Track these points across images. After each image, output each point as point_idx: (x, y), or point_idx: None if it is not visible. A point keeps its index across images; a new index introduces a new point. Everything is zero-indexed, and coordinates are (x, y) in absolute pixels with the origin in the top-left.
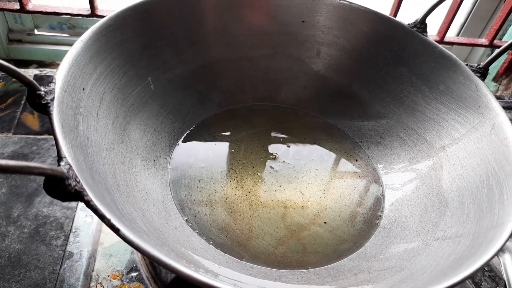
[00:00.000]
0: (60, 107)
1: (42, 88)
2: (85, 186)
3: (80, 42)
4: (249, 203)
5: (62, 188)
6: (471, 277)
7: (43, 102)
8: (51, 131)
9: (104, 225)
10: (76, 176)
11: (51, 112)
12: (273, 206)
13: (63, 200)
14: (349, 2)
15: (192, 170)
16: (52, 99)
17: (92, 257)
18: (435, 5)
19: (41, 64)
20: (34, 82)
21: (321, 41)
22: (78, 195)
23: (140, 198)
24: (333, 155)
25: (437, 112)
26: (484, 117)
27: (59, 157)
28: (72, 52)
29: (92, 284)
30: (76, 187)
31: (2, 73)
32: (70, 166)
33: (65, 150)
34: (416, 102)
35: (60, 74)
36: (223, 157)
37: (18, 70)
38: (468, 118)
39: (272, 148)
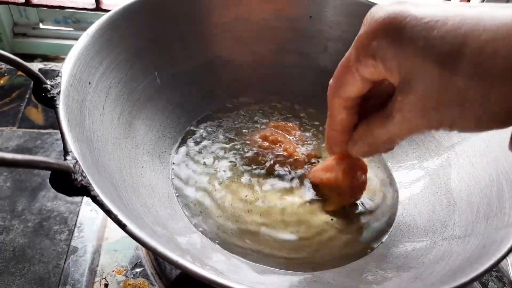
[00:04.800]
0: (66, 101)
1: (48, 82)
2: (91, 181)
3: (86, 36)
4: (255, 199)
5: (68, 182)
6: (480, 278)
7: (49, 96)
8: (55, 125)
9: (109, 220)
10: (82, 170)
11: (57, 105)
12: (280, 202)
13: (69, 194)
14: None
15: (197, 166)
16: (58, 93)
17: (97, 252)
18: None
19: (45, 58)
20: (40, 75)
21: (329, 36)
22: (85, 190)
23: (145, 194)
24: None
25: None
26: None
27: (65, 151)
28: (78, 46)
29: (96, 279)
30: (83, 182)
31: (7, 67)
32: (77, 161)
33: (71, 144)
34: None
35: (66, 68)
36: (229, 153)
37: (24, 63)
38: None
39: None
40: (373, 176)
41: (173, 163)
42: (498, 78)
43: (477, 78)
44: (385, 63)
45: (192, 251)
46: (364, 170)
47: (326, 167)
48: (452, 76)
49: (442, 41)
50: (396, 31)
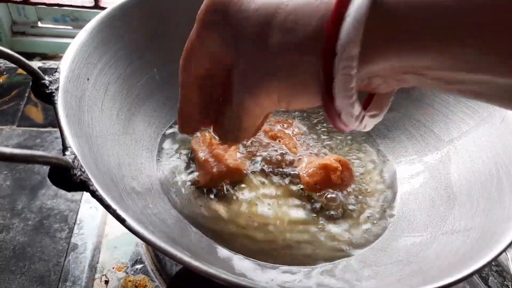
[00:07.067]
0: (65, 97)
1: (46, 78)
2: (90, 176)
3: (84, 32)
4: (252, 195)
5: (67, 178)
6: (480, 271)
7: (47, 92)
8: (55, 123)
9: (108, 217)
10: (81, 166)
11: (56, 101)
12: (278, 198)
13: (68, 190)
14: None
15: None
16: (57, 89)
17: (97, 249)
18: None
19: (44, 57)
20: (39, 71)
21: None
22: (84, 185)
23: (144, 190)
24: (341, 147)
25: (445, 104)
26: (494, 109)
27: (64, 147)
28: (76, 42)
29: (97, 276)
30: (82, 177)
31: (6, 65)
32: (75, 156)
33: (70, 140)
34: (423, 94)
35: (64, 64)
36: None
37: (23, 58)
38: (477, 110)
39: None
40: (373, 170)
41: (172, 160)
42: (300, 47)
43: (284, 47)
44: (218, 39)
45: (191, 245)
46: (335, 169)
47: (312, 173)
48: (262, 51)
49: (256, 14)
50: (223, 8)
